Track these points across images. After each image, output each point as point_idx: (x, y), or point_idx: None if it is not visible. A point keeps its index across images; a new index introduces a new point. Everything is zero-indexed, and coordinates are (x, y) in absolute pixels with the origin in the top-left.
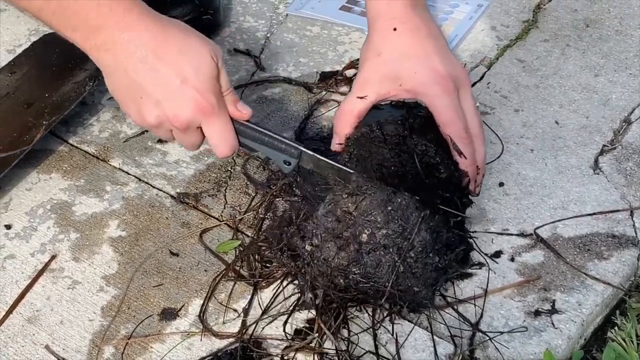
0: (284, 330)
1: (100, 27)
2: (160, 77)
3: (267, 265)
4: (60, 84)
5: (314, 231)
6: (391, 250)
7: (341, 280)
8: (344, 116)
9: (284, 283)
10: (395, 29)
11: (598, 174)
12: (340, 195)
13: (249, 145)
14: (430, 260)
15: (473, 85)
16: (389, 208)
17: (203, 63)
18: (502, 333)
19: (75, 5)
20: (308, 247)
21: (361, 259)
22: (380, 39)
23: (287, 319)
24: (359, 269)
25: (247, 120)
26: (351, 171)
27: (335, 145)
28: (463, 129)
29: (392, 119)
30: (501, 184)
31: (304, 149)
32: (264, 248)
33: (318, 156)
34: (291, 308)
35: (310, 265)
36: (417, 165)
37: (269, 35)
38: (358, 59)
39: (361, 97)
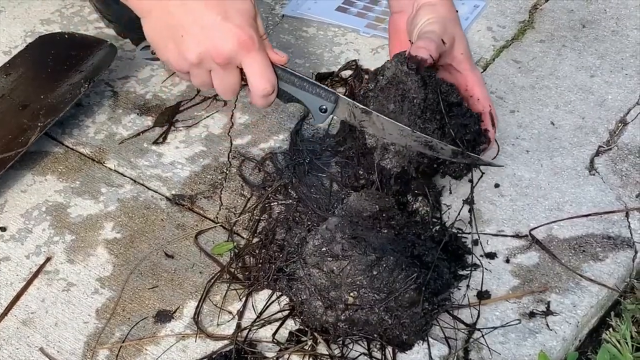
0: (274, 339)
1: None
2: (202, 14)
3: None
4: (55, 86)
5: (300, 286)
6: (377, 310)
7: (330, 330)
8: (433, 44)
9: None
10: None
11: (594, 175)
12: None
13: (286, 90)
14: (419, 309)
15: None
16: (374, 272)
17: (243, 2)
18: (495, 328)
19: None
20: (294, 298)
21: (348, 317)
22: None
23: (281, 324)
24: (346, 324)
25: (284, 66)
26: (389, 120)
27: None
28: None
29: None
30: (497, 185)
31: (341, 95)
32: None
33: (355, 103)
34: (286, 314)
35: (299, 314)
36: (439, 101)
37: (265, 37)
38: (354, 60)
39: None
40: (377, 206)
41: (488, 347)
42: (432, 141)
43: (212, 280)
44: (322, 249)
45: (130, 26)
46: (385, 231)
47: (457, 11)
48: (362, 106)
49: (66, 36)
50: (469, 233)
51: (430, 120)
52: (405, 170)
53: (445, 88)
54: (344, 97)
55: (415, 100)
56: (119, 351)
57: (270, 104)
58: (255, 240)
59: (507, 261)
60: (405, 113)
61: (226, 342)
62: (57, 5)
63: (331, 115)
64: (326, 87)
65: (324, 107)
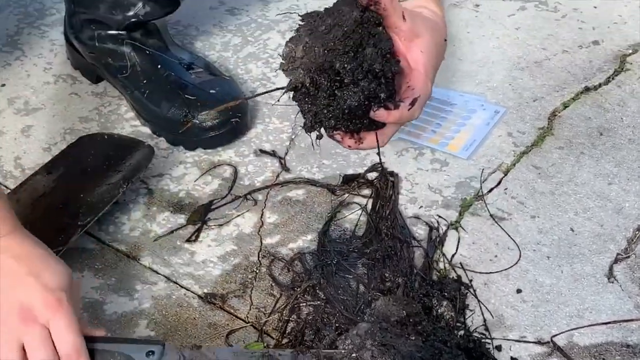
0: None
1: None
2: (14, 270)
3: None
4: (95, 185)
5: None
6: None
7: None
8: None
9: None
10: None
11: (612, 282)
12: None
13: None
14: None
15: (490, 190)
16: None
17: (56, 264)
18: None
19: None
20: None
21: None
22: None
23: None
24: None
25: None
26: (219, 348)
27: None
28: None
29: None
30: (519, 291)
31: (167, 343)
32: None
33: (181, 350)
34: None
35: None
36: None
37: (293, 137)
38: (379, 163)
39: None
40: (404, 311)
41: None
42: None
43: None
44: (353, 355)
45: (164, 126)
46: (413, 338)
47: (445, 40)
48: (189, 347)
49: (105, 137)
50: (492, 339)
51: (349, 46)
52: None
53: (381, 37)
54: (170, 344)
55: (344, 27)
56: None
57: None
58: (284, 341)
59: None
60: (330, 33)
61: None
62: (95, 104)
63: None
64: (147, 339)
65: (151, 350)
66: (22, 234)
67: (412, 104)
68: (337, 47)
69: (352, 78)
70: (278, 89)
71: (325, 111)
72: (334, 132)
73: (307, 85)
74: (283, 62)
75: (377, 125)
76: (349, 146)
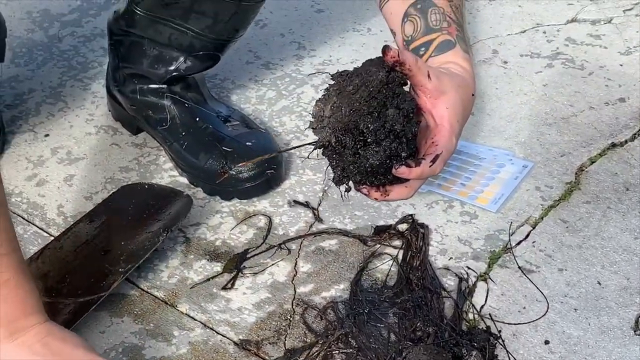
0: None
1: None
2: None
3: None
4: (135, 233)
5: None
6: None
7: None
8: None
9: None
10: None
11: (639, 335)
12: None
13: None
14: None
15: (518, 243)
16: None
17: None
18: None
19: None
20: None
21: None
22: (469, 66)
23: None
24: None
25: None
26: None
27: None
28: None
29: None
30: (547, 342)
31: None
32: None
33: None
34: None
35: None
36: (390, 97)
37: (326, 188)
38: (410, 215)
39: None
40: None
41: None
42: None
43: None
44: None
45: (201, 177)
46: None
47: (473, 95)
48: None
49: (146, 186)
50: None
51: (372, 107)
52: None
53: (405, 97)
54: None
55: (370, 88)
56: None
57: None
58: None
59: None
60: (357, 93)
61: None
62: (134, 154)
63: None
64: None
65: None
66: (51, 321)
67: (434, 160)
68: (362, 107)
69: (374, 138)
70: (308, 144)
71: (352, 167)
72: (361, 186)
73: (333, 144)
74: (312, 120)
75: (401, 180)
76: (376, 199)
